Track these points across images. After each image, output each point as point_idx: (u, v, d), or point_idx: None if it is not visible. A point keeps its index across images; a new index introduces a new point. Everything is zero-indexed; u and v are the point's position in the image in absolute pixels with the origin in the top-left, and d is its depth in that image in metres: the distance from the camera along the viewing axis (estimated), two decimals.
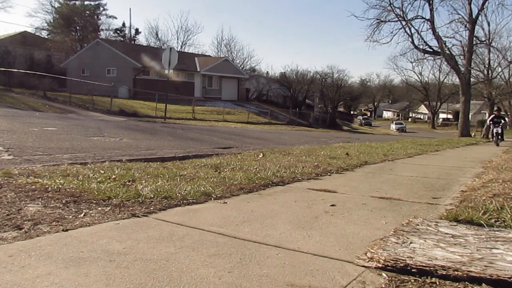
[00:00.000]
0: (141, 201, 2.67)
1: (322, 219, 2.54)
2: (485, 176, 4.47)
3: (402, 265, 1.70)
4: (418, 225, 2.30)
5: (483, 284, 1.55)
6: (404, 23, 26.34)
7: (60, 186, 2.91)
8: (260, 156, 5.72)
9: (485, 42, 27.91)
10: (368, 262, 1.78)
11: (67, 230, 2.06)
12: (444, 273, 1.62)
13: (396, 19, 26.46)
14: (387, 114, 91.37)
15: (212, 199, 2.93)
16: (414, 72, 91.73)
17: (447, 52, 26.19)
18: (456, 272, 1.61)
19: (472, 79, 28.01)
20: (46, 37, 46.40)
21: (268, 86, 51.53)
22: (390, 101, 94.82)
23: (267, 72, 60.17)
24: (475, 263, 1.70)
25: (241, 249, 1.91)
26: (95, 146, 6.17)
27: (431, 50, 28.06)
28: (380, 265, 1.73)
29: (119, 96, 27.97)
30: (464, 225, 2.32)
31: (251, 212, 2.63)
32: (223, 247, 1.93)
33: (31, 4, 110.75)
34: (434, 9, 25.78)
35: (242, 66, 51.46)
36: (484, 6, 25.83)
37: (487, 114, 34.75)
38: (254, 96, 49.45)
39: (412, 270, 1.67)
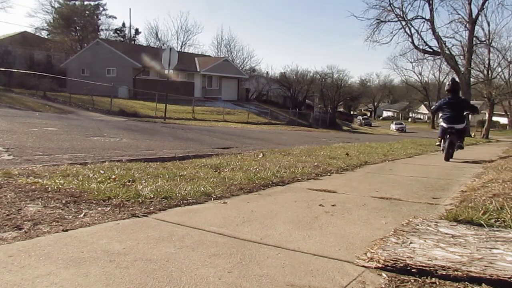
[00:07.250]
0: (141, 201, 2.67)
1: (322, 219, 2.55)
2: (485, 176, 4.47)
3: (402, 265, 1.70)
4: (418, 225, 2.30)
5: (483, 284, 1.55)
6: (404, 23, 26.44)
7: (60, 186, 2.91)
8: (260, 156, 5.72)
9: (485, 42, 27.92)
10: (368, 262, 1.78)
11: (67, 230, 2.06)
12: (444, 273, 1.62)
13: (396, 19, 26.56)
14: (387, 114, 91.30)
15: (212, 199, 2.93)
16: (414, 72, 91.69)
17: (447, 52, 26.23)
18: (456, 272, 1.61)
19: (472, 79, 28.03)
20: (46, 37, 46.42)
21: (268, 86, 51.53)
22: (390, 101, 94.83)
23: (267, 72, 60.11)
24: (475, 263, 1.70)
25: (241, 249, 1.91)
26: (95, 146, 6.16)
27: (431, 50, 28.11)
28: (380, 265, 1.73)
29: (119, 96, 27.96)
30: (464, 225, 2.32)
31: (251, 212, 2.63)
32: (223, 247, 1.93)
33: (31, 4, 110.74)
34: (434, 9, 25.91)
35: (242, 66, 51.45)
36: (484, 6, 25.91)
37: (486, 114, 34.63)
38: (254, 96, 49.43)
39: (412, 270, 1.67)
